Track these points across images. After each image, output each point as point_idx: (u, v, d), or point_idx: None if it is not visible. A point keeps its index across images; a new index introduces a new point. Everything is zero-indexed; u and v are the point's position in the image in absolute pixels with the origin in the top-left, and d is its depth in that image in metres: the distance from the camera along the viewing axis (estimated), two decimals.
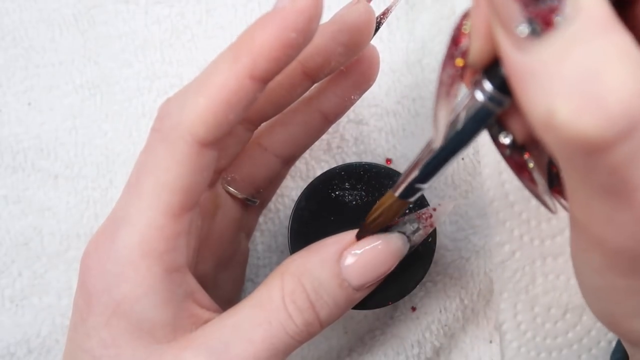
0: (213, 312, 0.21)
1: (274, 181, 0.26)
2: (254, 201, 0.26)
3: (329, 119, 0.25)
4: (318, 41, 0.21)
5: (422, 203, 0.24)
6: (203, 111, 0.18)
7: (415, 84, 0.31)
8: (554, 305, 0.26)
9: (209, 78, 0.18)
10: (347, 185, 0.24)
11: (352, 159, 0.30)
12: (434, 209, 0.22)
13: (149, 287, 0.18)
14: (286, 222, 0.30)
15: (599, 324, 0.26)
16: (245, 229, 0.27)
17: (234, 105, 0.18)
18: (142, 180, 0.19)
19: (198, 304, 0.20)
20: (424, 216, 0.22)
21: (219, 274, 0.25)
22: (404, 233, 0.21)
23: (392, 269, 0.21)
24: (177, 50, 0.31)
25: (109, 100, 0.31)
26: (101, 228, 0.20)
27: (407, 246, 0.21)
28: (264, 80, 0.18)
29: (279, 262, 0.30)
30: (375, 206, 0.21)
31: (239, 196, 0.25)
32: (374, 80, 0.25)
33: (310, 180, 0.25)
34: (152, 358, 0.18)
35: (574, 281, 0.26)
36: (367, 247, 0.20)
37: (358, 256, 0.20)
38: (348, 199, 0.24)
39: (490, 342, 0.28)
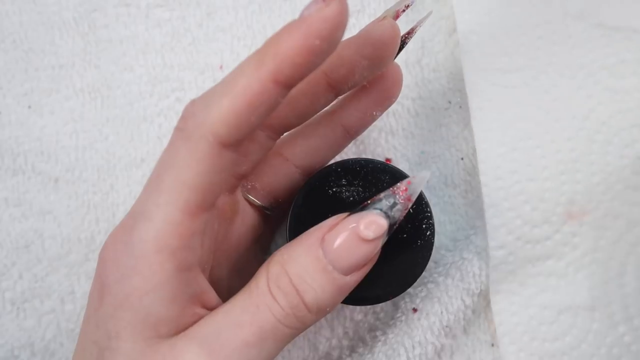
0: None
1: (291, 193, 0.27)
2: (271, 210, 0.27)
3: (350, 134, 0.26)
4: (343, 53, 0.22)
5: (420, 197, 0.24)
6: (226, 112, 0.18)
7: (414, 84, 0.31)
8: (547, 307, 0.27)
9: (234, 80, 0.19)
10: (344, 181, 0.25)
11: None
12: (409, 182, 0.22)
13: (159, 282, 0.19)
14: (285, 223, 0.31)
15: (595, 326, 0.27)
16: (261, 240, 0.28)
17: (257, 107, 0.18)
18: (162, 176, 0.19)
19: (206, 304, 0.21)
20: (398, 190, 0.22)
21: (233, 281, 0.25)
22: (380, 209, 0.21)
23: (376, 249, 0.21)
24: (178, 53, 0.32)
25: (110, 104, 0.32)
26: (121, 222, 0.20)
27: (387, 222, 0.21)
28: (287, 85, 0.18)
29: None
30: None
31: (257, 204, 0.26)
32: (396, 98, 0.25)
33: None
34: (148, 351, 0.19)
35: (563, 282, 0.27)
36: (345, 229, 0.21)
37: (337, 239, 0.21)
38: (345, 195, 0.25)
39: (492, 345, 0.29)
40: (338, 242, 0.21)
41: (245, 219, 0.26)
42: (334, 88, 0.24)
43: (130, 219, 0.20)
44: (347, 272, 0.21)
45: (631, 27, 0.28)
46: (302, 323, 0.21)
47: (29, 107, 0.32)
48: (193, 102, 0.20)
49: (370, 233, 0.21)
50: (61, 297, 0.30)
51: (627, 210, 0.27)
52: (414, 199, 0.22)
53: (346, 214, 0.22)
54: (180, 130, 0.19)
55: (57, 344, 0.30)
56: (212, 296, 0.21)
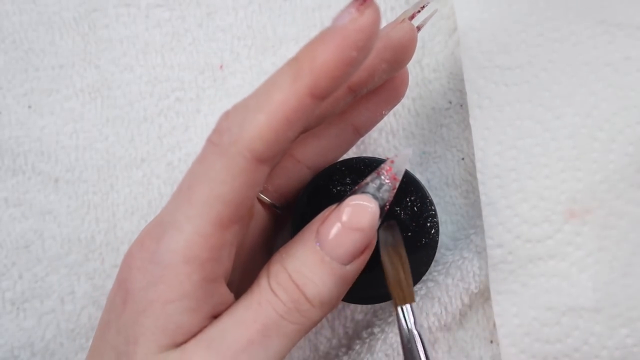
0: None
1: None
2: (282, 209, 0.27)
3: (359, 132, 0.27)
4: None
5: (424, 195, 0.25)
6: (263, 128, 0.18)
7: (415, 84, 0.32)
8: (550, 308, 0.27)
9: (269, 95, 0.19)
10: (348, 180, 0.25)
11: None
12: (392, 161, 0.22)
13: (185, 292, 0.20)
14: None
15: (598, 328, 0.27)
16: (268, 242, 0.28)
17: (294, 122, 0.19)
18: (194, 189, 0.19)
19: None
20: (383, 170, 0.22)
21: (243, 284, 0.26)
22: (368, 193, 0.22)
23: (371, 233, 0.22)
24: (178, 53, 0.32)
25: (110, 104, 0.32)
26: (146, 229, 0.21)
27: (376, 204, 0.22)
28: (324, 98, 0.19)
29: None
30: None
31: (270, 202, 0.26)
32: (403, 96, 0.26)
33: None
34: (160, 357, 0.20)
35: (566, 284, 0.27)
36: (336, 219, 0.21)
37: (330, 229, 0.21)
38: None
39: (491, 342, 0.29)
40: (331, 232, 0.21)
41: (258, 221, 0.26)
42: (354, 91, 0.24)
43: (157, 227, 0.20)
44: (345, 261, 0.21)
45: (634, 25, 0.28)
46: (306, 318, 0.21)
47: (29, 107, 0.32)
48: (227, 116, 0.19)
49: (359, 219, 0.21)
50: (61, 297, 0.31)
51: (631, 209, 0.27)
52: (399, 177, 0.22)
53: (337, 204, 0.22)
54: (215, 144, 0.19)
55: (57, 344, 0.31)
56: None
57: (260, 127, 0.18)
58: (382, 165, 0.22)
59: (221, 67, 0.33)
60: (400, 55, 0.23)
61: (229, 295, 0.22)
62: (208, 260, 0.20)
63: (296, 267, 0.21)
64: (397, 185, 0.22)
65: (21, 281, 0.31)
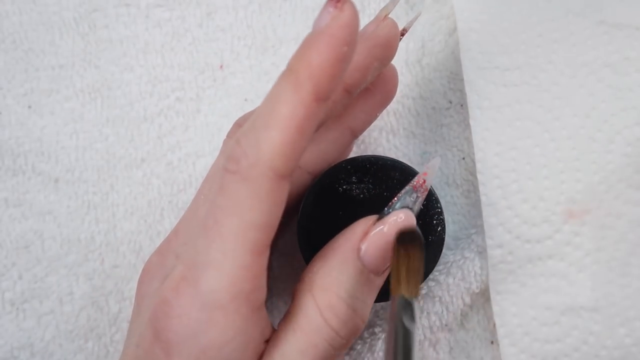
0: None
1: (302, 197, 0.27)
2: (284, 216, 0.27)
3: (355, 134, 0.27)
4: (356, 58, 0.23)
5: (430, 193, 0.25)
6: (280, 144, 0.18)
7: (415, 84, 0.32)
8: (549, 308, 0.28)
9: (276, 110, 0.19)
10: (354, 179, 0.26)
11: None
12: (425, 174, 0.23)
13: (238, 329, 0.19)
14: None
15: (596, 328, 0.27)
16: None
17: (306, 130, 0.19)
18: (223, 222, 0.19)
19: (267, 337, 0.21)
20: (418, 184, 0.23)
21: None
22: (407, 207, 0.23)
23: None
24: (178, 53, 0.33)
25: (110, 104, 0.32)
26: (178, 274, 0.20)
27: (414, 218, 0.23)
28: (327, 99, 0.19)
29: (287, 265, 0.31)
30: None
31: None
32: (394, 95, 0.27)
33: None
34: None
35: (565, 283, 0.28)
36: (378, 236, 0.22)
37: (374, 246, 0.22)
38: (355, 193, 0.26)
39: (492, 342, 0.30)
40: (374, 250, 0.22)
41: None
42: (349, 92, 0.24)
43: (190, 269, 0.20)
44: (381, 273, 0.22)
45: (633, 25, 0.29)
46: (355, 339, 0.22)
47: (29, 107, 0.32)
48: (238, 142, 0.19)
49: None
50: (60, 298, 0.31)
51: (629, 209, 0.28)
52: (429, 187, 0.23)
53: (373, 217, 0.23)
54: (234, 173, 0.19)
55: (56, 345, 0.31)
56: (269, 327, 0.22)
57: (277, 143, 0.19)
58: (416, 179, 0.23)
59: (221, 67, 0.33)
60: (387, 51, 0.24)
61: (267, 317, 0.22)
62: (252, 290, 0.20)
63: (349, 292, 0.21)
64: (425, 195, 0.23)
65: (21, 282, 0.31)
